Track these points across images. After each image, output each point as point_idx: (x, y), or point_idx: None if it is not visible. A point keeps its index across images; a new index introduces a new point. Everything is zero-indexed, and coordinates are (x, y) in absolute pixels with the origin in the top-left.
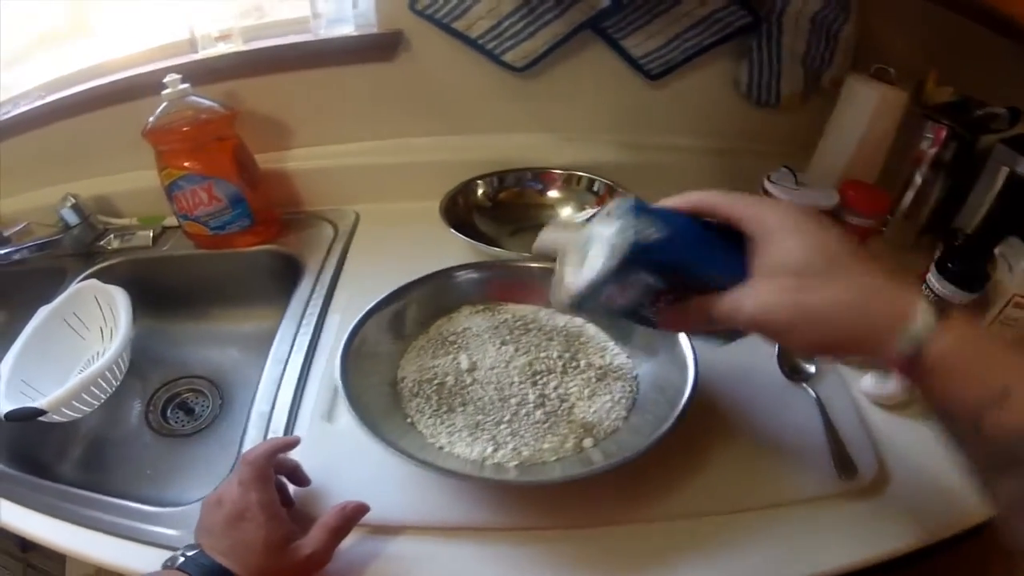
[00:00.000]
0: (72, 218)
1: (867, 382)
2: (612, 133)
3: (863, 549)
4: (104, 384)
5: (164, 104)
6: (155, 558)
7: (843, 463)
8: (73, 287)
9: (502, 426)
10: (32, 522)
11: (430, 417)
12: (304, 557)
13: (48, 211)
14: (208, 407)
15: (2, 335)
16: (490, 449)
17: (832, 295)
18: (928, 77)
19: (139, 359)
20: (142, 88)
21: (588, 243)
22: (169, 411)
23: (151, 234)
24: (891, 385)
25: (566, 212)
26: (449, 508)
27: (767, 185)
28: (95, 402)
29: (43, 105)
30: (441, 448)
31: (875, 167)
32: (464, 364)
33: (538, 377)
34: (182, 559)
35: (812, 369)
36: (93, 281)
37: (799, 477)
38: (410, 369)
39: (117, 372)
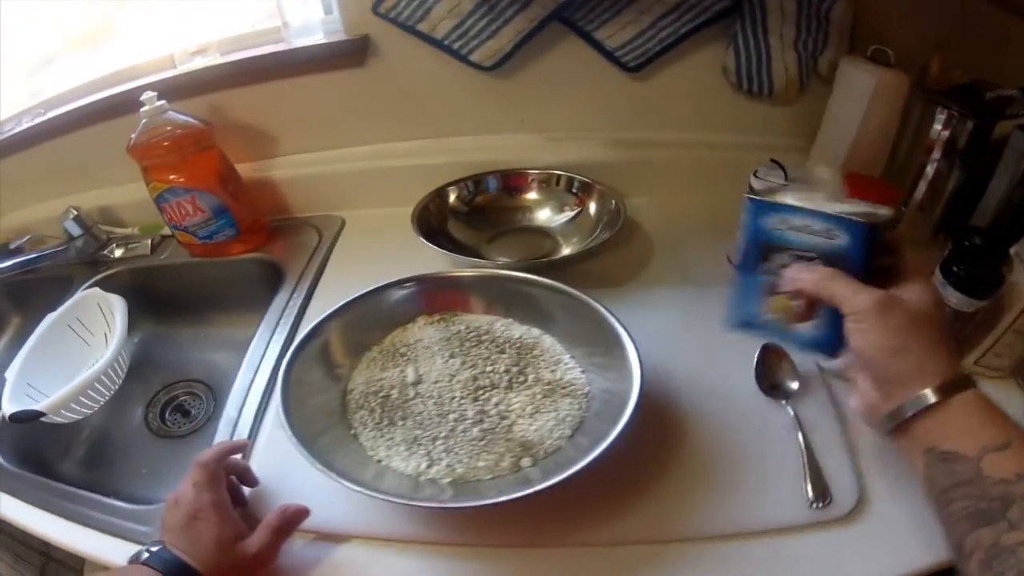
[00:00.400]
0: (75, 229)
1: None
2: (596, 131)
3: None
4: (101, 388)
5: (144, 121)
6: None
7: (818, 490)
8: (77, 295)
9: (438, 442)
10: (29, 516)
11: (372, 430)
12: (251, 555)
13: (55, 223)
14: (203, 409)
15: (17, 339)
16: (424, 464)
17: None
18: (932, 59)
19: (142, 363)
20: (126, 105)
21: None
22: (168, 413)
23: (150, 243)
24: None
25: (544, 215)
26: (389, 520)
27: (752, 181)
28: (94, 405)
29: (43, 122)
30: (379, 461)
31: (879, 158)
32: (410, 377)
33: (480, 392)
34: (146, 554)
35: (795, 386)
36: (95, 289)
37: (768, 504)
38: (359, 380)
39: (114, 376)
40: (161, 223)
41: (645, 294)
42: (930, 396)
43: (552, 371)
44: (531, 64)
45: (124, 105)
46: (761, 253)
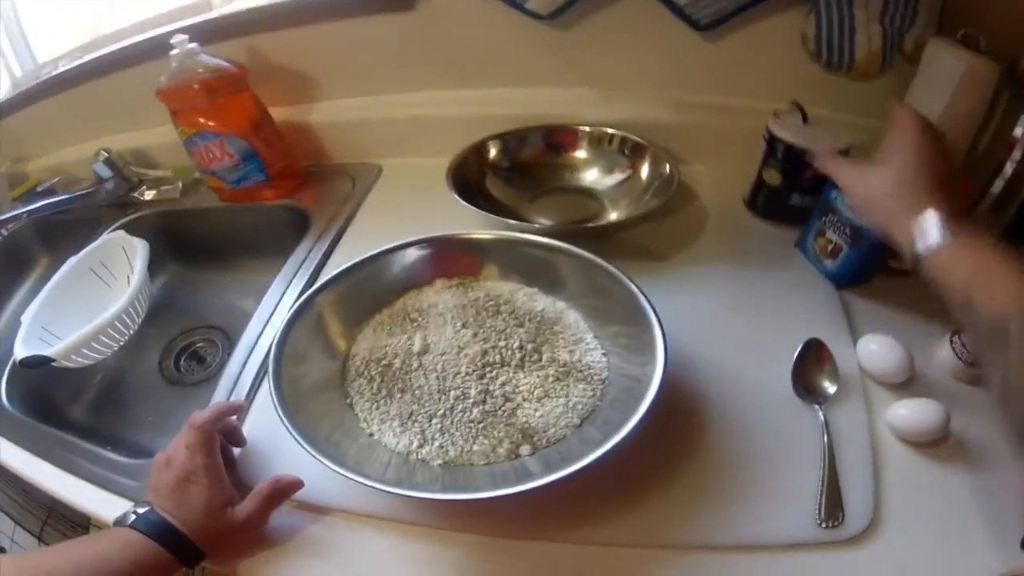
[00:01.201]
0: (104, 171)
1: (900, 412)
2: (656, 90)
3: None
4: (114, 333)
5: (174, 64)
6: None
7: (831, 509)
8: (101, 238)
9: (434, 420)
10: (33, 467)
11: (368, 400)
12: (240, 521)
13: (87, 165)
14: (217, 357)
15: (43, 281)
16: (416, 443)
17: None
18: None
19: (163, 307)
20: (160, 48)
21: None
22: (183, 360)
23: (180, 185)
24: (928, 416)
25: (592, 175)
26: (373, 498)
27: (771, 124)
28: (106, 351)
29: (81, 64)
30: (371, 435)
31: (959, 148)
32: (416, 346)
33: (488, 369)
34: (133, 516)
35: (832, 390)
36: (120, 232)
37: (780, 516)
38: (363, 346)
39: (128, 321)
40: (191, 167)
41: (689, 271)
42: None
43: (570, 351)
44: (590, 15)
45: (158, 49)
46: (822, 210)
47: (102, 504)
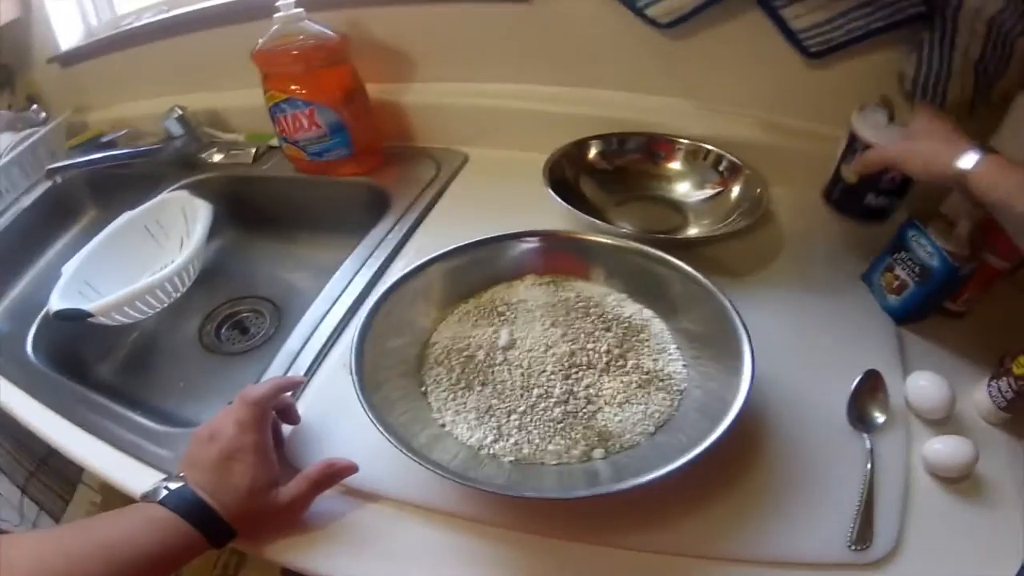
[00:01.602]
0: (176, 129)
1: (935, 447)
2: (754, 110)
3: None
4: (161, 295)
5: (275, 27)
6: (150, 477)
7: (862, 533)
8: (161, 195)
9: (513, 416)
10: (48, 423)
11: (445, 390)
12: (284, 504)
13: (158, 120)
14: (263, 329)
15: (86, 234)
16: (491, 438)
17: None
18: None
19: (213, 272)
20: (258, 10)
21: None
22: (224, 328)
23: (254, 152)
24: (960, 453)
25: (684, 188)
26: (430, 489)
27: (853, 118)
28: (149, 311)
29: (166, 19)
30: (443, 426)
31: None
32: (503, 340)
33: (574, 370)
34: (164, 491)
35: (880, 420)
36: (183, 192)
37: (813, 535)
38: (445, 334)
39: (179, 284)
40: (269, 133)
41: (760, 291)
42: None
43: (654, 360)
44: (703, 29)
45: (257, 10)
46: (893, 247)
47: (130, 473)
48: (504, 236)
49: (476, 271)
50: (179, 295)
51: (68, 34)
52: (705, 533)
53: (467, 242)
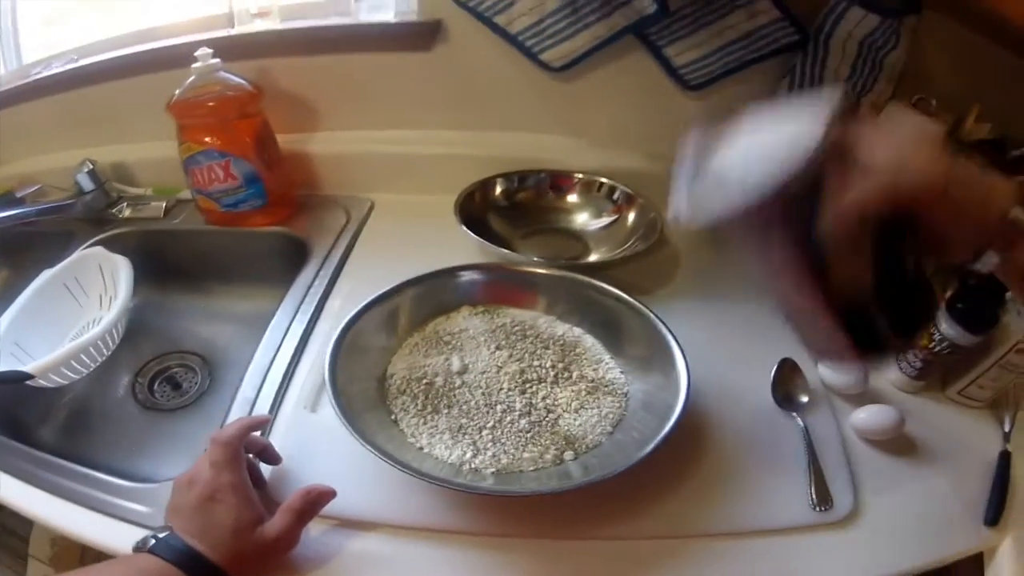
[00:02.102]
0: (87, 184)
1: (860, 416)
2: (640, 141)
3: None
4: (95, 353)
5: (192, 77)
6: (126, 533)
7: (821, 495)
8: (78, 253)
9: (484, 432)
10: (3, 485)
11: (414, 416)
12: (271, 540)
13: (65, 174)
14: (196, 383)
15: (9, 296)
16: (469, 454)
17: None
18: (969, 112)
19: (134, 330)
20: (173, 59)
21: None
22: (156, 384)
23: (164, 205)
24: (885, 418)
25: (582, 218)
26: (421, 509)
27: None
28: (84, 370)
29: (75, 68)
30: (421, 448)
31: None
32: (455, 366)
33: (528, 385)
34: (153, 541)
35: (804, 399)
36: (99, 248)
37: (776, 505)
38: (400, 366)
39: (110, 342)
40: (176, 186)
41: (668, 303)
42: None
43: (595, 369)
44: (591, 71)
45: (170, 60)
46: None
47: (105, 530)
48: (439, 272)
49: (416, 307)
50: (110, 353)
51: None
52: (677, 515)
53: (405, 280)
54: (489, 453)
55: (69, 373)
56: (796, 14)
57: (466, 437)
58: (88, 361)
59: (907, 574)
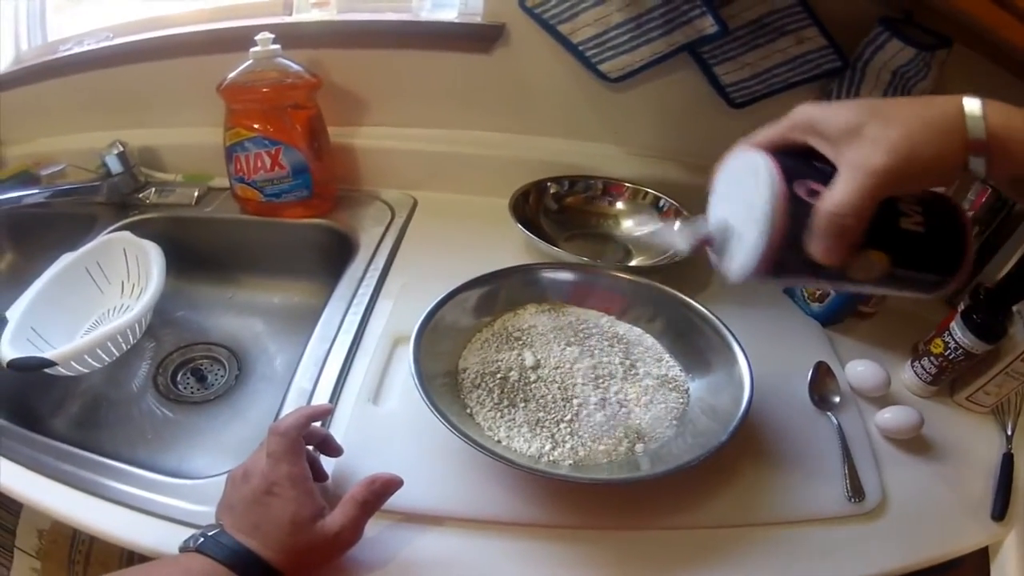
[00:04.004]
0: (116, 166)
1: (885, 416)
2: (682, 155)
3: (863, 566)
4: (121, 341)
5: (249, 62)
6: (163, 531)
7: (855, 488)
8: (103, 237)
9: (562, 425)
10: (24, 480)
11: (490, 410)
12: (332, 535)
13: (86, 156)
14: (223, 377)
15: (15, 279)
16: (548, 446)
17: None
18: None
19: (155, 320)
20: (228, 43)
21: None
22: (180, 376)
23: (195, 192)
24: (907, 419)
25: (627, 224)
26: (493, 502)
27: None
28: (107, 359)
29: (109, 47)
30: (499, 441)
31: None
32: (529, 361)
33: (600, 380)
34: (201, 539)
35: (837, 400)
36: (125, 233)
37: (814, 497)
38: (473, 360)
39: (137, 331)
40: (209, 174)
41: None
42: None
43: (658, 366)
44: (642, 81)
45: (220, 43)
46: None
47: (144, 530)
48: (515, 268)
49: (485, 302)
50: (135, 343)
51: None
52: (734, 507)
53: (475, 276)
54: (567, 446)
55: (92, 362)
56: (839, 42)
57: (544, 430)
58: (114, 350)
59: (924, 563)
